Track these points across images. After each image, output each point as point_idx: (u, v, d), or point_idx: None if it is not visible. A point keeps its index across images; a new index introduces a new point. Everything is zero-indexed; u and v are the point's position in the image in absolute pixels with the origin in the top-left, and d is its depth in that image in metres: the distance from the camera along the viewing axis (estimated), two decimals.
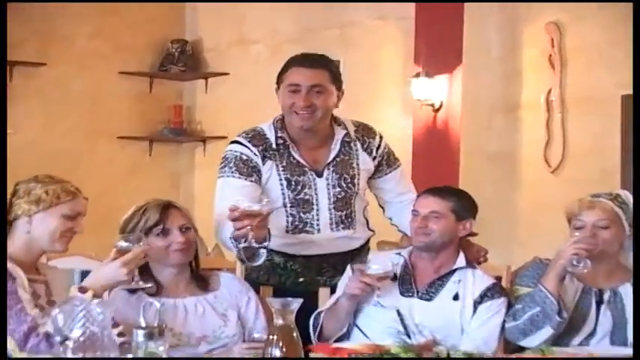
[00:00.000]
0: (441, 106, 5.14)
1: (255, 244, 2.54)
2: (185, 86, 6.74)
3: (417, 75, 5.12)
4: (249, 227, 2.49)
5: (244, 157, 2.81)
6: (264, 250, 2.67)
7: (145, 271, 2.46)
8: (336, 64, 3.00)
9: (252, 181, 2.79)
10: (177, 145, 6.72)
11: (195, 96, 6.69)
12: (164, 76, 6.57)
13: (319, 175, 2.85)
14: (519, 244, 4.97)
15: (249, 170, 2.80)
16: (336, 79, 2.85)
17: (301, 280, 2.87)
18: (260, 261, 2.69)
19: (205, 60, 6.61)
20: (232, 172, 2.80)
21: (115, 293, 2.39)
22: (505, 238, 5.01)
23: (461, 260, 2.69)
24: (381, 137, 2.96)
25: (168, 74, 6.55)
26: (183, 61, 6.50)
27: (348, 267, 2.71)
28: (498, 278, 2.84)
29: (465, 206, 2.71)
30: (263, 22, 6.27)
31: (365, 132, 2.94)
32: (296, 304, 1.98)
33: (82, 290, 2.22)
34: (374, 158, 2.93)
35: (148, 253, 2.38)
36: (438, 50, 5.14)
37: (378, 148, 2.93)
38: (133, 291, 2.45)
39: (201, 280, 2.58)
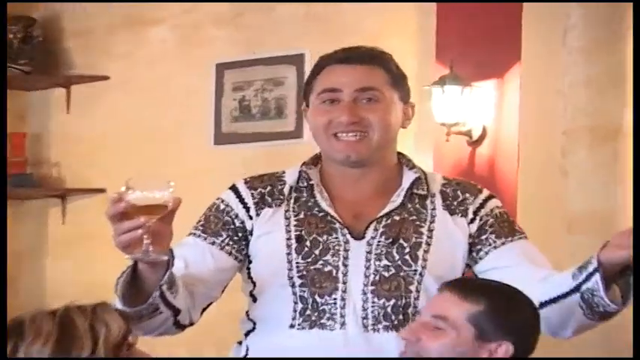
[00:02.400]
0: (483, 134, 5.20)
1: (152, 256, 2.67)
2: (31, 100, 6.80)
3: (442, 81, 5.16)
4: (144, 229, 2.61)
5: (222, 207, 3.07)
6: (157, 296, 2.75)
7: None
8: (395, 62, 3.17)
9: (212, 243, 3.00)
10: (18, 204, 6.75)
11: (48, 117, 6.74)
12: None
13: (358, 236, 2.96)
14: None
15: (217, 227, 3.03)
16: (398, 84, 3.08)
17: None
18: (148, 302, 2.75)
19: (68, 54, 6.66)
20: (196, 228, 3.04)
21: None
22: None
23: None
24: (490, 196, 3.11)
25: None
26: (29, 55, 6.56)
27: None
28: None
29: (500, 318, 2.72)
30: None
31: (461, 186, 3.11)
32: None
33: None
34: (471, 221, 3.05)
35: None
36: (477, 39, 5.19)
37: (480, 208, 3.07)
38: None
39: None
